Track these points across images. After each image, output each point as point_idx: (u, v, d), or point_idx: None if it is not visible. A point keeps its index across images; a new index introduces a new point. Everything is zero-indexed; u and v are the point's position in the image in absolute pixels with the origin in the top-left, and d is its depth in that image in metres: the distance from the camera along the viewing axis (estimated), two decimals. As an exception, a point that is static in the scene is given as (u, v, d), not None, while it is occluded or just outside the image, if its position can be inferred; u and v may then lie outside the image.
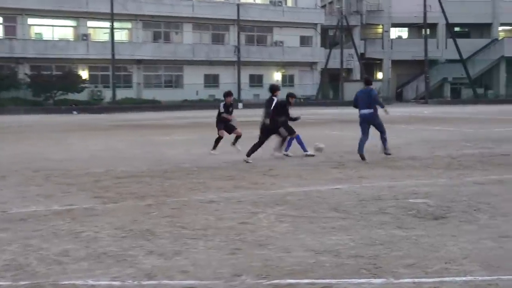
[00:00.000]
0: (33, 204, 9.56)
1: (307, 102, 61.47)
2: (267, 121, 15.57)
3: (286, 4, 67.19)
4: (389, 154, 15.65)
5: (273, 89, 16.76)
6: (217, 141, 17.21)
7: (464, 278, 5.71)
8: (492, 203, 9.20)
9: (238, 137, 17.09)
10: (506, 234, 7.31)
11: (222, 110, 17.22)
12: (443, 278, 5.73)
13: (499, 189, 10.45)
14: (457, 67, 67.80)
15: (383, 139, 15.63)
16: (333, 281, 5.69)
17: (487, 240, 7.06)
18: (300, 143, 16.15)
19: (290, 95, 16.62)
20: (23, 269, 6.15)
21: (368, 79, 16.73)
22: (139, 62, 58.85)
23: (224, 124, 17.18)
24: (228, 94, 17.43)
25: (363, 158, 14.94)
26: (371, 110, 15.49)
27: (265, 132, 15.71)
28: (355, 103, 15.86)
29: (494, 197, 9.67)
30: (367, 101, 15.53)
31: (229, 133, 17.18)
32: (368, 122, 15.56)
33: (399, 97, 71.52)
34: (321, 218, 8.32)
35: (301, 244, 6.96)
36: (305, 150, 16.02)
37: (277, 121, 15.70)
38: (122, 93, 56.74)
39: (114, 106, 53.09)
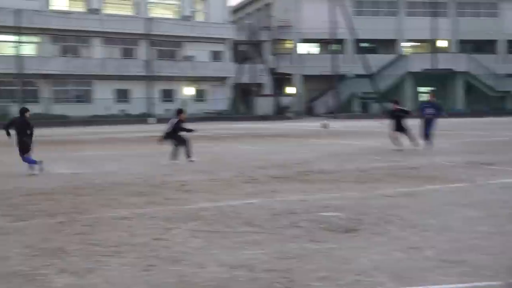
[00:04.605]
0: None
1: (219, 116, 61.64)
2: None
3: (196, 19, 67.30)
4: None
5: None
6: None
7: (375, 289, 5.84)
8: (402, 215, 9.45)
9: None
10: (415, 245, 7.52)
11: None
12: (355, 289, 5.85)
13: (408, 201, 10.73)
14: (365, 82, 69.36)
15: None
16: (248, 295, 5.73)
17: (397, 251, 7.24)
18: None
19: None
20: None
21: (433, 94, 25.01)
22: (47, 76, 57.71)
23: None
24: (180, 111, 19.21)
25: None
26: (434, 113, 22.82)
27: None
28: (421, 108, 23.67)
29: (403, 209, 9.93)
30: (432, 107, 22.98)
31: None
32: (429, 121, 22.51)
33: (309, 112, 72.54)
34: (235, 233, 8.36)
35: (215, 259, 6.98)
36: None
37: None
38: (30, 108, 55.44)
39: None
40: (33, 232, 8.57)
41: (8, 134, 16.64)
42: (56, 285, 6.10)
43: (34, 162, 16.35)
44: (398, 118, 21.97)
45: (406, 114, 22.23)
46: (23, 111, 17.11)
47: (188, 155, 18.45)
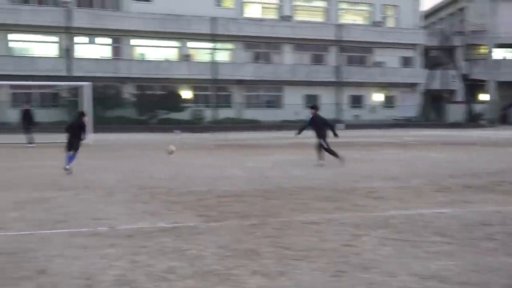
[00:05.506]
0: (140, 221, 9.80)
1: (408, 123, 60.65)
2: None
3: (387, 24, 66.66)
4: None
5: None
6: None
7: None
8: None
9: None
10: None
11: None
12: (556, 308, 5.54)
13: None
14: None
15: None
16: (440, 307, 5.59)
17: None
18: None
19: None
20: (131, 284, 6.30)
21: None
22: (240, 82, 59.43)
23: None
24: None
25: None
26: None
27: None
28: None
29: None
30: None
31: None
32: None
33: (503, 119, 69.56)
34: (425, 243, 8.18)
35: (405, 269, 6.87)
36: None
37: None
38: (222, 113, 57.52)
39: (215, 126, 53.85)
40: (226, 233, 8.85)
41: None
42: (249, 286, 6.25)
43: (70, 161, 17.48)
44: None
45: None
46: (81, 114, 18.48)
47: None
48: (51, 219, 9.95)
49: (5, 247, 7.91)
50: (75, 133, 17.91)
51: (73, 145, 17.78)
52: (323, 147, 19.75)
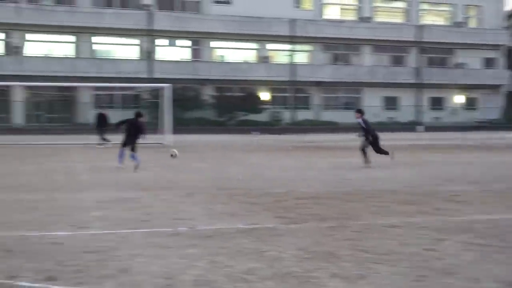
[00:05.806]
0: (219, 222, 9.86)
1: (490, 126, 59.27)
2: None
3: (469, 25, 65.40)
4: None
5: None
6: None
7: None
8: None
9: None
10: None
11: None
12: None
13: None
14: None
15: None
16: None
17: None
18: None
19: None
20: (211, 285, 6.33)
21: None
22: (318, 84, 59.24)
23: None
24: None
25: None
26: None
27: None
28: None
29: None
30: None
31: None
32: None
33: None
34: (511, 248, 7.96)
35: (490, 275, 6.69)
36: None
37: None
38: (301, 115, 57.47)
39: (293, 127, 53.80)
40: (305, 235, 8.81)
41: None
42: (328, 288, 6.21)
43: (121, 159, 18.98)
44: None
45: None
46: (138, 115, 19.74)
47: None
48: (133, 219, 10.12)
49: (89, 246, 8.06)
50: (131, 132, 19.07)
51: (127, 143, 18.97)
52: (361, 147, 20.54)
